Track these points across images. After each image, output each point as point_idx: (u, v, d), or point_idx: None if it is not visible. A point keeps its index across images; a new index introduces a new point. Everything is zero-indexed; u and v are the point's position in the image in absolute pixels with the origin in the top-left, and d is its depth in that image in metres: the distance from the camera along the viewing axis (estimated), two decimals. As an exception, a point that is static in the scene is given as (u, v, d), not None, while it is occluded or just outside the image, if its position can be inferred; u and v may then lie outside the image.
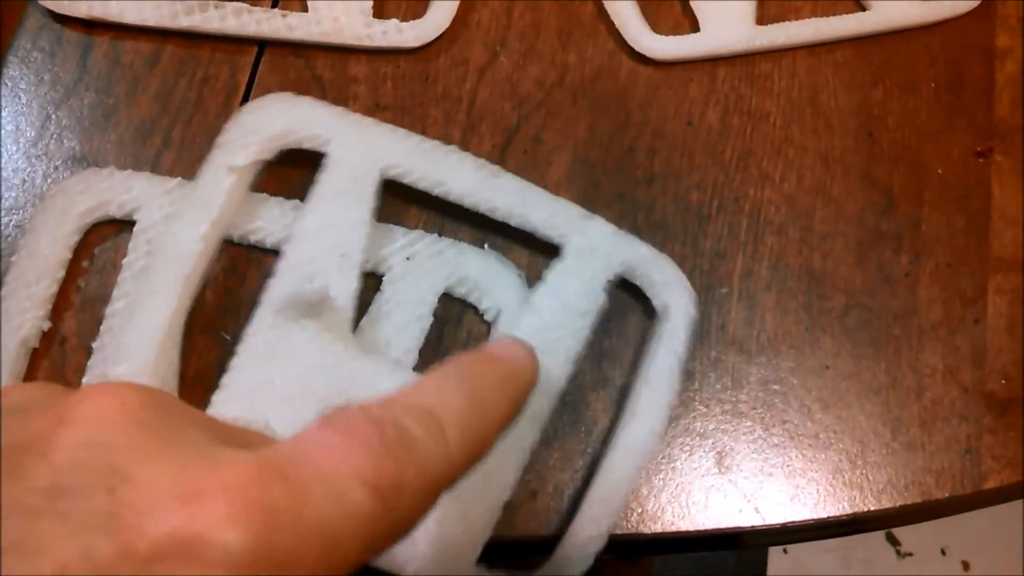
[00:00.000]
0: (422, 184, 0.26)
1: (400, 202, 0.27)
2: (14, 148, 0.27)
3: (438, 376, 0.21)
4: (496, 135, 0.28)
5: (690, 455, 0.26)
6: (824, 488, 0.26)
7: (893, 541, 0.87)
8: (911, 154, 0.29)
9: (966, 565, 0.87)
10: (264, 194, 0.26)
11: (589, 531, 0.24)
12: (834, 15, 0.30)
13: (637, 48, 0.29)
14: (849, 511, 0.26)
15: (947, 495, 0.26)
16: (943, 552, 0.87)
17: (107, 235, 0.26)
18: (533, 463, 0.25)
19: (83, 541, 0.14)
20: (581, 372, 0.26)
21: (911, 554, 0.87)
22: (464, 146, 0.28)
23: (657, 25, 0.29)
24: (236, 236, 0.26)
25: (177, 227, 0.25)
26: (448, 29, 0.29)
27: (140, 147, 0.28)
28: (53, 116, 0.28)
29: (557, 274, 0.26)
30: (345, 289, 0.25)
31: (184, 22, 0.28)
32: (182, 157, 0.27)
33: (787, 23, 0.30)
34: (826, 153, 0.29)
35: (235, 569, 0.15)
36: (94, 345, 0.25)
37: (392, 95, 0.29)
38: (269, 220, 0.26)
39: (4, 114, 0.28)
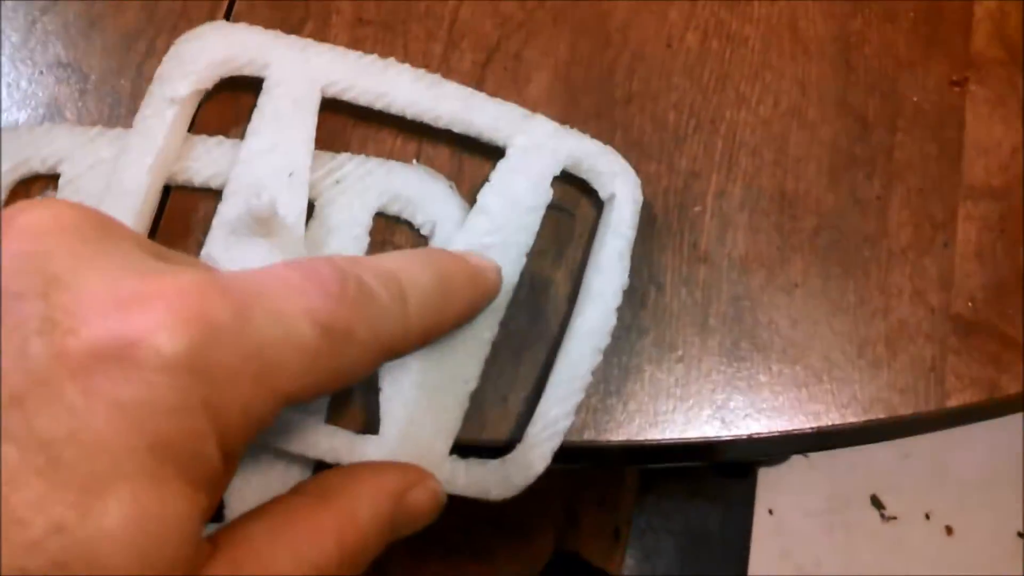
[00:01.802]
0: (363, 99, 0.26)
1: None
2: (-1, 53, 0.28)
3: (409, 254, 0.21)
4: (477, 52, 0.29)
5: (658, 366, 0.26)
6: (789, 402, 0.27)
7: (877, 504, 0.88)
8: (887, 82, 0.30)
9: (949, 530, 0.88)
10: (203, 135, 0.27)
11: (556, 410, 0.24)
12: (816, -57, 0.30)
13: (619, -30, 0.29)
14: (814, 424, 0.27)
15: (911, 412, 0.27)
16: (927, 516, 0.88)
17: (36, 192, 0.26)
18: (503, 368, 0.26)
19: (16, 343, 0.14)
20: (537, 269, 0.26)
21: (895, 518, 0.88)
22: (445, 63, 0.28)
23: (639, -52, 0.30)
24: (180, 180, 0.26)
25: (122, 163, 0.25)
26: (432, -54, 0.29)
27: (124, 54, 0.28)
28: (39, 22, 0.28)
29: (502, 172, 0.26)
30: (295, 207, 0.25)
31: (169, -68, 0.28)
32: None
33: (769, -50, 0.30)
34: (803, 78, 0.29)
35: (168, 375, 0.15)
36: None
37: (375, 11, 0.29)
38: (211, 159, 0.26)
39: (-11, 20, 0.28)
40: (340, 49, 0.27)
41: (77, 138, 0.26)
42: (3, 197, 0.25)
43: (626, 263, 0.26)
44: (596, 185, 0.27)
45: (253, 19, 0.28)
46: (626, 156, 0.28)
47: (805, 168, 0.28)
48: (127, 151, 0.25)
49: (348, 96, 0.26)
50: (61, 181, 0.25)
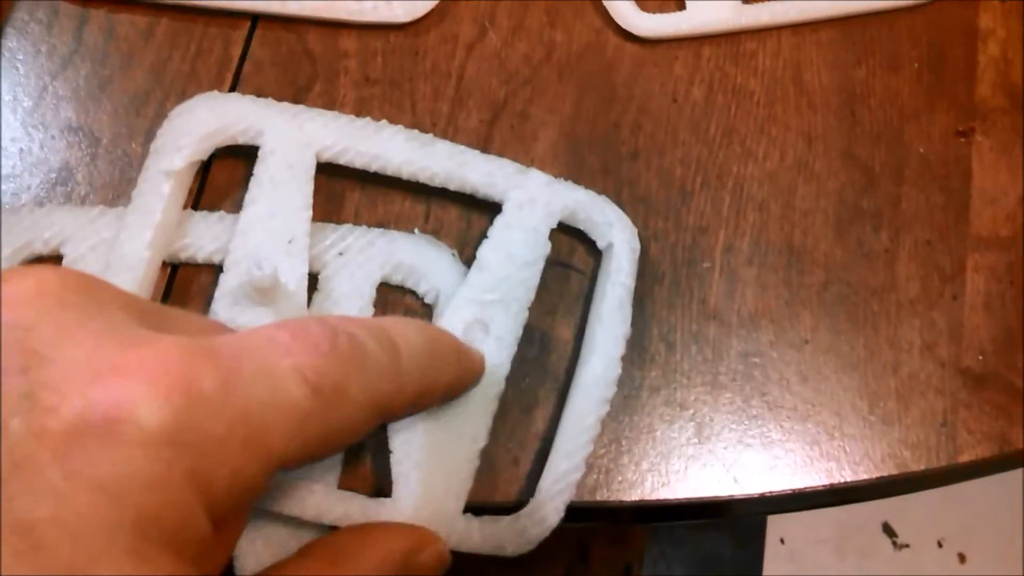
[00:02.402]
0: (358, 162, 0.27)
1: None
2: (12, 117, 0.28)
3: (399, 318, 0.21)
4: (484, 110, 0.29)
5: (670, 425, 0.26)
6: (801, 459, 0.26)
7: (890, 532, 0.87)
8: (892, 133, 0.30)
9: (962, 557, 0.87)
10: (203, 211, 0.27)
11: (566, 463, 0.24)
12: (819, -4, 0.30)
13: (623, 25, 0.29)
14: (826, 482, 0.26)
15: (923, 468, 0.27)
16: (939, 544, 0.87)
17: None
18: (512, 426, 0.26)
19: None
20: (542, 323, 0.27)
21: (907, 546, 0.87)
22: (452, 121, 0.29)
23: (643, 3, 0.30)
24: (183, 257, 0.26)
25: (122, 239, 0.25)
26: (438, 5, 0.29)
27: (134, 118, 0.28)
28: (50, 87, 0.28)
29: (500, 228, 0.26)
30: (296, 273, 0.25)
31: (178, -4, 0.28)
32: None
33: (772, 2, 0.30)
34: (809, 131, 0.29)
35: (149, 448, 0.14)
36: None
37: (382, 69, 0.29)
38: (212, 235, 0.26)
39: (3, 84, 0.28)
40: (332, 114, 0.27)
41: (78, 219, 0.26)
42: None
43: (627, 312, 0.26)
44: (593, 235, 0.27)
45: (262, 80, 0.29)
46: (633, 212, 0.28)
47: (812, 221, 0.29)
48: (126, 227, 0.25)
49: (343, 160, 0.27)
50: (64, 262, 0.26)
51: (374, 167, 0.27)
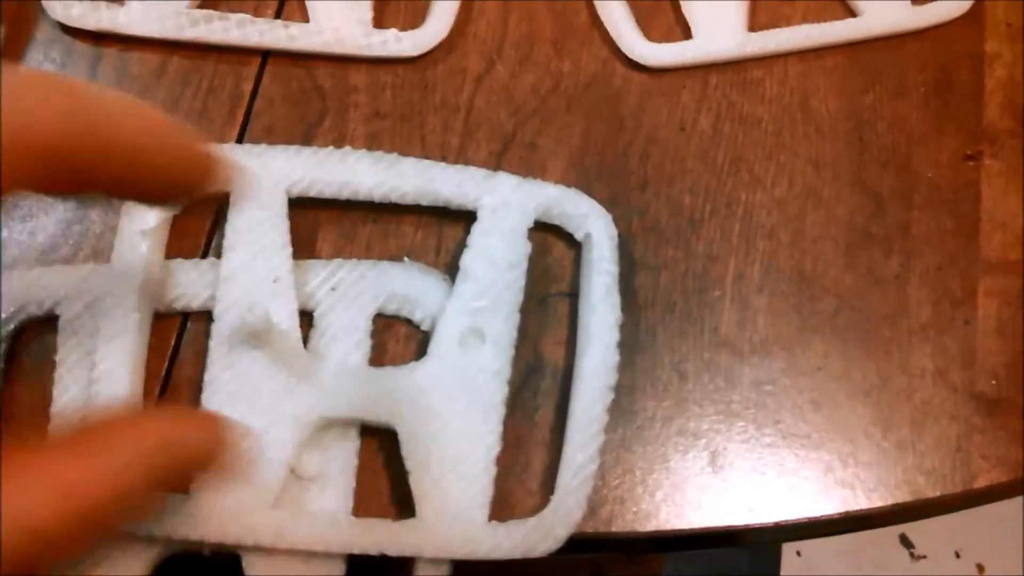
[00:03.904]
0: (328, 191, 0.27)
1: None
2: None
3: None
4: (493, 142, 0.29)
5: (684, 455, 0.26)
6: (816, 487, 0.26)
7: (907, 543, 0.87)
8: (901, 158, 0.30)
9: (981, 568, 0.86)
10: (179, 259, 0.27)
11: (580, 455, 0.25)
12: (824, 21, 0.30)
13: (630, 55, 0.30)
14: (841, 509, 0.26)
15: (938, 494, 0.27)
16: (957, 555, 0.87)
17: (31, 337, 0.26)
18: (519, 429, 0.26)
19: None
20: (527, 322, 0.26)
21: (925, 556, 0.86)
22: (462, 153, 0.29)
23: (650, 32, 0.30)
24: (177, 307, 0.27)
25: (109, 304, 0.25)
26: (446, 39, 0.29)
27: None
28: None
29: (477, 235, 0.26)
30: (286, 311, 0.25)
31: (189, 34, 0.29)
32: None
33: (778, 30, 0.30)
34: (817, 158, 0.30)
35: None
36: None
37: (391, 103, 0.29)
38: (201, 283, 0.26)
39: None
40: (294, 148, 0.27)
41: (69, 278, 0.26)
42: (3, 347, 0.26)
43: (616, 298, 0.26)
44: (570, 228, 0.27)
45: (273, 116, 0.29)
46: (644, 242, 0.28)
47: (822, 248, 0.29)
48: (111, 292, 0.25)
49: (313, 192, 0.27)
50: (60, 323, 0.26)
51: (344, 194, 0.27)
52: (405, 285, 0.27)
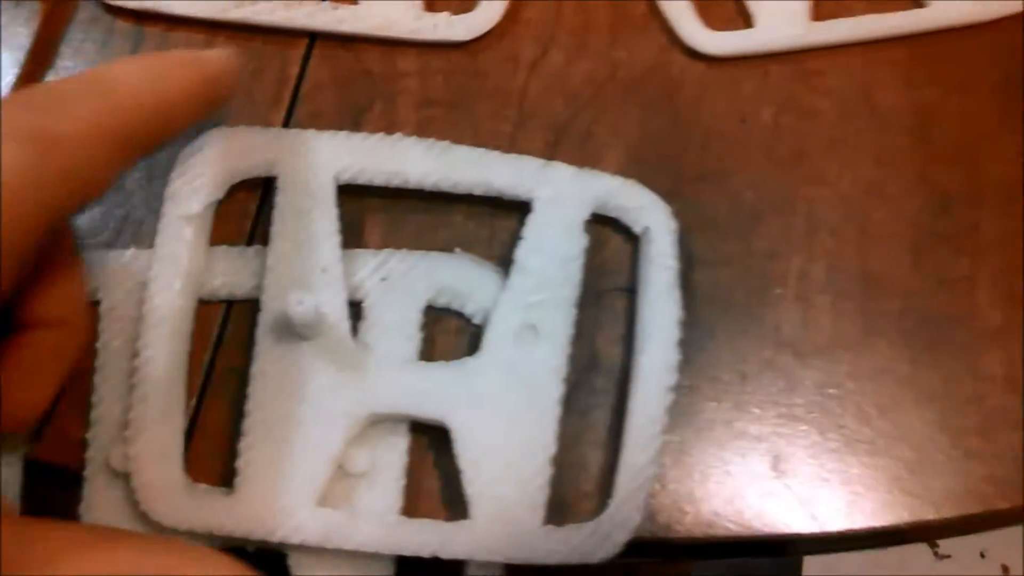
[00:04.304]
0: (378, 179, 0.26)
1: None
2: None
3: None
4: (547, 131, 0.28)
5: (744, 459, 0.25)
6: (882, 496, 0.25)
7: (931, 543, 0.86)
8: (968, 154, 0.29)
9: (1006, 569, 0.85)
10: (224, 246, 0.26)
11: (639, 457, 0.24)
12: (890, 12, 0.29)
13: (689, 44, 0.29)
14: (908, 520, 0.25)
15: (1008, 506, 0.26)
16: (982, 555, 0.85)
17: None
18: (575, 434, 0.25)
19: None
20: (583, 318, 0.25)
21: (949, 556, 0.85)
22: (515, 143, 0.28)
23: (710, 21, 0.29)
24: (221, 295, 0.26)
25: (152, 291, 0.24)
26: (499, 24, 0.28)
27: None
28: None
29: (533, 227, 0.25)
30: (335, 303, 0.24)
31: (234, 14, 0.28)
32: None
33: (841, 20, 0.29)
34: (880, 153, 0.28)
35: None
36: (87, 436, 0.24)
37: (442, 90, 0.28)
38: (247, 272, 0.26)
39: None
40: (343, 134, 0.26)
41: (110, 264, 0.25)
42: None
43: (676, 294, 0.25)
44: (627, 221, 0.26)
45: (320, 100, 0.28)
46: (702, 237, 0.27)
47: (888, 247, 0.27)
48: (154, 278, 0.24)
49: (363, 179, 0.26)
50: (101, 309, 0.25)
51: (394, 182, 0.26)
52: (457, 277, 0.26)
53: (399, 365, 0.24)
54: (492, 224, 0.27)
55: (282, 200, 0.25)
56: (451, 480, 0.24)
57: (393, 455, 0.24)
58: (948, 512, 0.25)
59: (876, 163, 0.28)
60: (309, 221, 0.25)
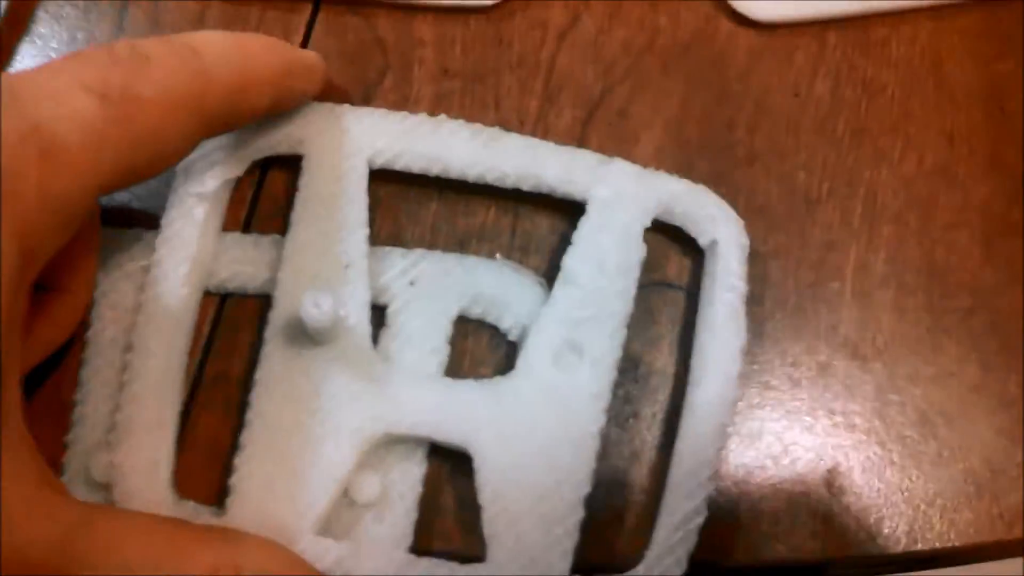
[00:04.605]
0: (416, 166, 0.23)
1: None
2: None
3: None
4: (577, 107, 0.25)
5: (796, 474, 0.23)
6: (949, 514, 0.23)
7: None
8: (1047, 134, 0.26)
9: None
10: (236, 232, 0.24)
11: (685, 505, 0.21)
12: (961, -26, 0.26)
13: (737, 9, 0.26)
14: (976, 540, 0.23)
15: (1086, 523, 0.23)
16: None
17: None
18: (615, 472, 0.22)
19: None
20: (636, 341, 0.23)
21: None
22: (542, 119, 0.25)
23: (760, -17, 0.26)
24: (230, 287, 0.23)
25: (155, 276, 0.22)
26: (524, -14, 0.26)
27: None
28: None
29: (585, 232, 0.22)
30: (356, 304, 0.22)
31: (231, -24, 0.25)
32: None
33: (907, -18, 0.26)
34: (950, 131, 0.26)
35: None
36: (68, 438, 0.22)
37: (461, 60, 0.25)
38: (263, 262, 0.23)
39: (34, 78, 0.25)
40: (381, 112, 0.23)
41: (108, 243, 0.23)
42: None
43: (742, 322, 0.22)
44: (693, 232, 0.23)
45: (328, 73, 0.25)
46: (751, 225, 0.24)
47: (956, 236, 0.25)
48: (159, 262, 0.22)
49: (399, 165, 0.23)
50: (96, 293, 0.23)
51: (434, 171, 0.23)
52: (495, 286, 0.23)
53: (422, 380, 0.22)
54: (516, 212, 0.24)
55: (307, 183, 0.23)
56: (471, 515, 0.21)
57: (406, 484, 0.21)
58: (1021, 532, 0.23)
59: (945, 142, 0.25)
60: (335, 209, 0.22)
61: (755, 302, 0.24)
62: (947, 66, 0.26)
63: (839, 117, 0.26)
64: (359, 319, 0.22)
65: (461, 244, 0.24)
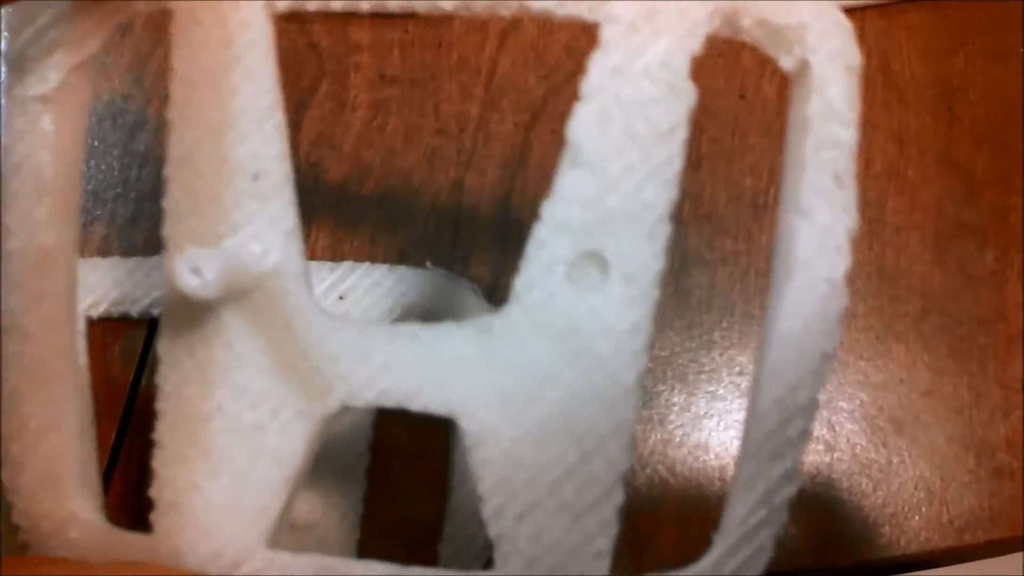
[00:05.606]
0: (336, 3, 0.16)
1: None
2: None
3: None
4: (520, 112, 0.25)
5: (744, 484, 0.23)
6: (899, 522, 0.23)
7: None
8: (997, 133, 0.25)
9: None
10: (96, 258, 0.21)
11: (769, 471, 0.14)
12: (910, -30, 0.26)
13: (682, 10, 0.25)
14: (927, 548, 0.23)
15: (1039, 528, 0.23)
16: None
17: None
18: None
19: None
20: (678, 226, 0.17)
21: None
22: (483, 126, 0.25)
23: (705, -17, 0.25)
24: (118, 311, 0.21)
25: (8, 225, 0.16)
26: (464, -12, 0.25)
27: (109, 129, 0.24)
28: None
29: (600, 74, 0.15)
30: (278, 232, 0.15)
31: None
32: (156, 138, 0.24)
33: (855, -20, 0.26)
34: (899, 131, 0.25)
35: None
36: None
37: (400, 65, 0.25)
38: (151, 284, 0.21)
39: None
40: None
41: None
42: None
43: (850, 186, 0.15)
44: (772, 50, 0.16)
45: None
46: (697, 232, 0.24)
47: (906, 239, 0.24)
48: (9, 204, 0.16)
49: (313, 5, 0.16)
50: None
51: (365, 5, 0.16)
52: (428, 296, 0.22)
53: (382, 330, 0.16)
54: (457, 220, 0.24)
55: (182, 56, 0.15)
56: (415, 531, 0.21)
57: (347, 503, 0.20)
58: (970, 539, 0.23)
59: (894, 143, 0.25)
60: (228, 90, 0.15)
61: (703, 310, 0.23)
62: (895, 64, 0.26)
63: (786, 119, 0.25)
64: (286, 255, 0.15)
65: (401, 256, 0.23)
